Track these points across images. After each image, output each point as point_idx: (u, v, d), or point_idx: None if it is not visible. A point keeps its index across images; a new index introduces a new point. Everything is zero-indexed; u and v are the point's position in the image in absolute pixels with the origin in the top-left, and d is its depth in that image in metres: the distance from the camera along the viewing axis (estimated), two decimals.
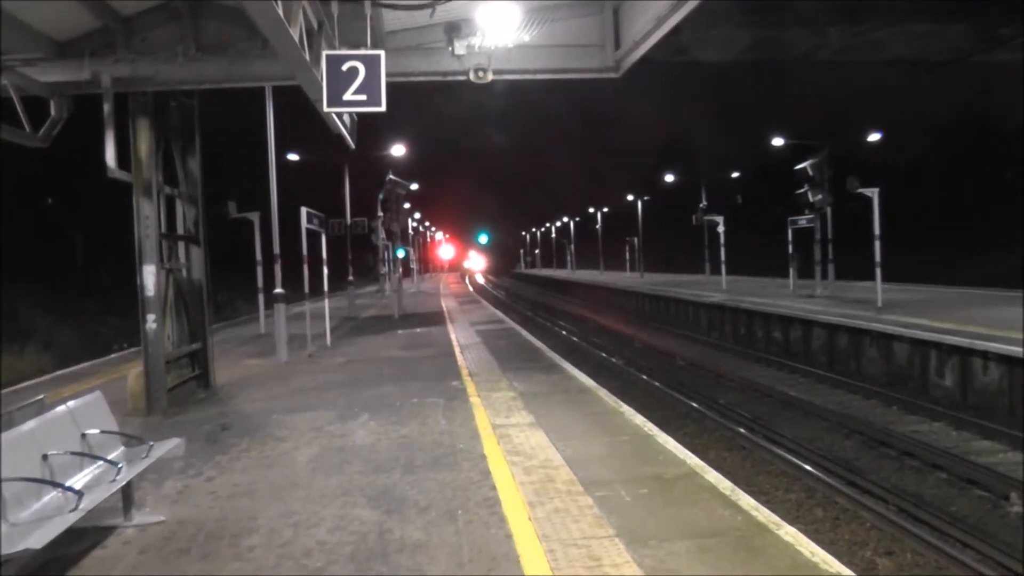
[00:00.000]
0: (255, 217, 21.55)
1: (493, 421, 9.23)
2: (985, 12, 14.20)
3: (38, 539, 4.45)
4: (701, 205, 39.40)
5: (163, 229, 11.06)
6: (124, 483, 5.73)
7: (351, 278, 31.62)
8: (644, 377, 18.31)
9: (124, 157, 10.19)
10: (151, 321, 10.51)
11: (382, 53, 8.01)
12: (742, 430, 12.75)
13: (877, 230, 20.14)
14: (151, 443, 6.32)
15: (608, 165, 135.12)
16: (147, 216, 10.44)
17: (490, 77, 10.56)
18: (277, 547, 5.52)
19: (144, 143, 10.49)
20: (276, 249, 18.10)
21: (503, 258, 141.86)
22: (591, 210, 73.87)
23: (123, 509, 6.09)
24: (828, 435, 12.43)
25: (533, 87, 12.24)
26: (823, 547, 5.31)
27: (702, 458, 7.73)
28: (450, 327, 22.20)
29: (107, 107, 9.78)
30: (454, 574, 4.94)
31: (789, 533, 5.41)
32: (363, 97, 7.90)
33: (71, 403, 5.99)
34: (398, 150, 31.34)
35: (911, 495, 9.33)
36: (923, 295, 23.86)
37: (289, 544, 5.57)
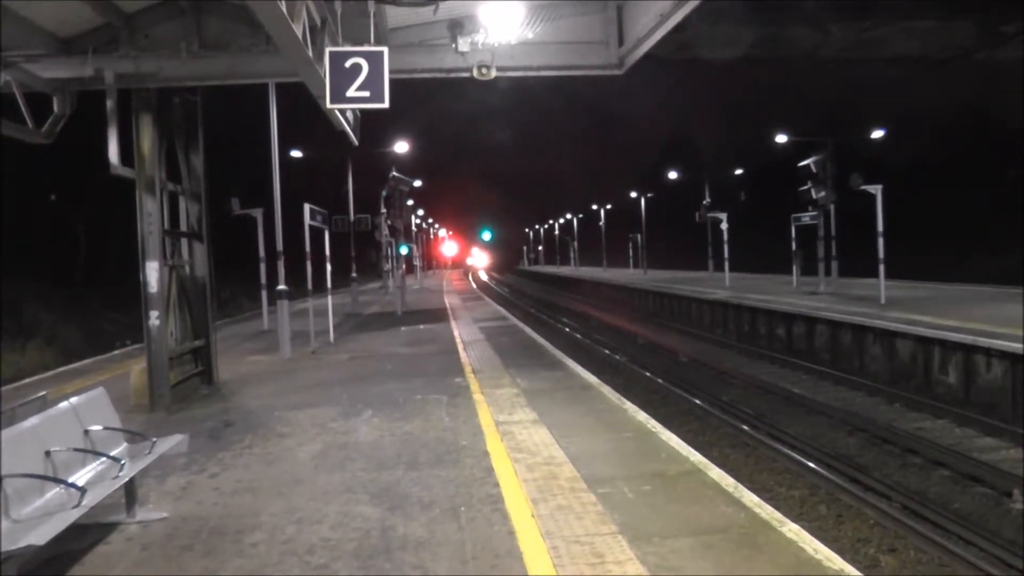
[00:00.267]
0: (258, 214, 21.57)
1: (496, 418, 9.23)
2: (987, 10, 14.18)
3: (41, 535, 4.46)
4: (704, 202, 39.43)
5: (166, 226, 11.06)
6: (127, 479, 5.74)
7: (354, 275, 31.67)
8: (647, 374, 18.30)
9: (127, 154, 10.19)
10: (154, 318, 10.52)
11: (385, 50, 8.01)
12: (745, 427, 12.74)
13: (881, 227, 20.11)
14: (154, 439, 6.32)
15: (611, 162, 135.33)
16: (150, 213, 10.44)
17: (493, 74, 10.54)
18: (280, 544, 5.52)
19: (147, 139, 10.49)
20: (279, 246, 18.15)
21: (506, 255, 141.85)
22: (594, 207, 73.88)
23: (126, 505, 6.10)
24: (831, 432, 12.42)
25: (536, 84, 12.24)
26: (826, 544, 5.30)
27: (705, 455, 7.72)
28: (453, 324, 22.21)
29: (110, 103, 9.77)
30: (457, 572, 4.94)
31: (792, 530, 5.40)
32: (366, 94, 7.89)
33: (74, 399, 6.00)
34: (401, 147, 31.41)
35: (914, 492, 9.33)
36: (927, 292, 23.82)
37: (292, 541, 5.57)
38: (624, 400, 10.26)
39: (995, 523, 8.40)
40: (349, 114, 10.32)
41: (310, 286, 17.33)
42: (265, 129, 18.64)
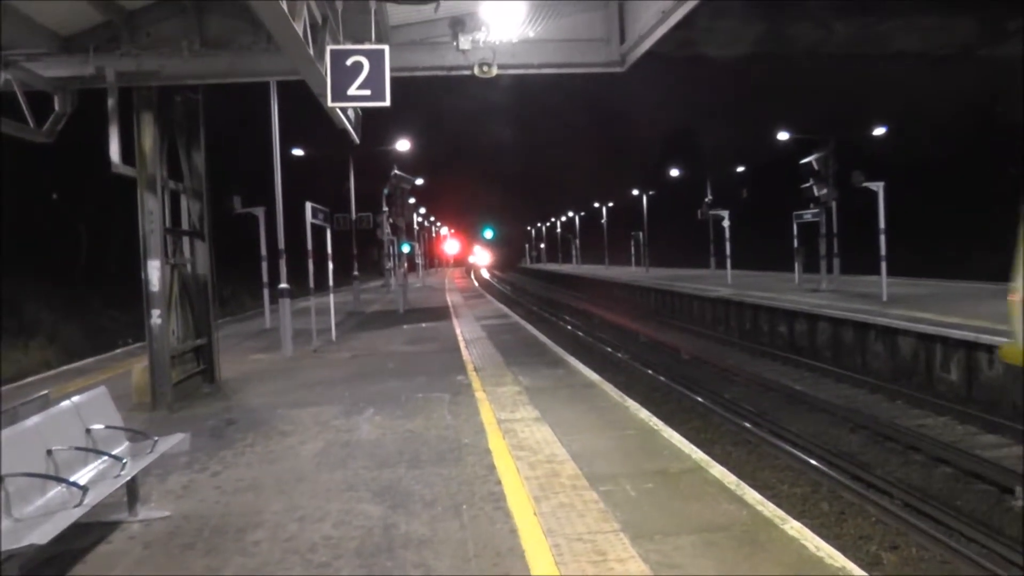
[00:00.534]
0: (260, 212, 21.57)
1: (498, 416, 9.23)
2: (990, 6, 14.17)
3: (42, 534, 4.46)
4: (706, 199, 39.38)
5: (168, 224, 11.06)
6: (129, 478, 5.74)
7: (356, 273, 31.69)
8: (649, 372, 18.30)
9: (128, 152, 10.19)
10: (156, 316, 10.52)
11: (386, 48, 8.00)
12: (747, 424, 12.73)
13: (883, 224, 20.08)
14: (156, 438, 6.32)
15: (613, 160, 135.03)
16: (151, 211, 10.44)
17: (495, 72, 10.53)
18: (282, 542, 5.52)
19: (148, 138, 10.48)
20: (281, 244, 18.17)
21: (508, 253, 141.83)
22: (596, 205, 73.91)
23: (128, 504, 6.10)
24: (833, 429, 12.41)
25: (538, 82, 12.24)
26: (828, 541, 5.31)
27: (707, 452, 7.72)
28: (455, 322, 22.21)
29: (111, 102, 9.77)
30: (459, 570, 4.94)
31: (795, 527, 5.40)
32: (367, 92, 7.89)
33: (76, 398, 6.00)
34: (403, 145, 31.41)
35: (916, 489, 9.32)
36: (929, 289, 23.78)
37: (294, 539, 5.57)
38: (626, 398, 10.25)
39: (997, 520, 8.40)
40: (350, 112, 10.32)
41: (312, 284, 17.33)
42: (266, 127, 18.67)
